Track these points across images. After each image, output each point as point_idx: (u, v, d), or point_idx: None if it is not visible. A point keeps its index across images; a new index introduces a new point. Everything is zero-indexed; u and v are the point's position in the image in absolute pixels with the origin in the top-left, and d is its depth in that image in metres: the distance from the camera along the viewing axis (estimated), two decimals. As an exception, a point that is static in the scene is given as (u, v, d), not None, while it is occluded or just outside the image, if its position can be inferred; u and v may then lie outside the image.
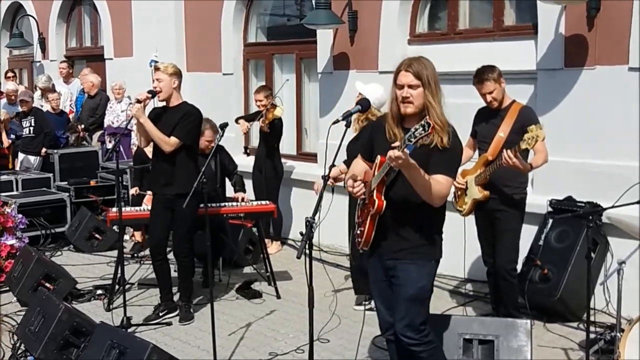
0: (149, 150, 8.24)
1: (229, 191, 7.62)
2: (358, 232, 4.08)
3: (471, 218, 5.77)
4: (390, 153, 3.63)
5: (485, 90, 5.45)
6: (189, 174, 5.91)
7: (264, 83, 9.58)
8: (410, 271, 3.96)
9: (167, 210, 6.10)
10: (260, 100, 8.17)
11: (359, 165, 4.17)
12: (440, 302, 6.47)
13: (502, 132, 5.44)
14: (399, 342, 4.08)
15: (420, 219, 3.91)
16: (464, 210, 5.68)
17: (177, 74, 6.10)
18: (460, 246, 5.80)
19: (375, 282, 4.19)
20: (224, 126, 5.93)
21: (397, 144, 3.66)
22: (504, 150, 5.21)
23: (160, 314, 6.25)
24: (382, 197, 3.87)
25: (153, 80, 6.11)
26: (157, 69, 6.11)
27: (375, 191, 3.87)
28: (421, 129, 3.48)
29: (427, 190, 3.77)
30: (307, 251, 3.69)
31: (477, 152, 5.79)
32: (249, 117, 8.56)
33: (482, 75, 5.45)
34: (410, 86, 3.85)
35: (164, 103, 6.15)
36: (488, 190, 5.48)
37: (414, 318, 3.99)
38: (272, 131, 8.21)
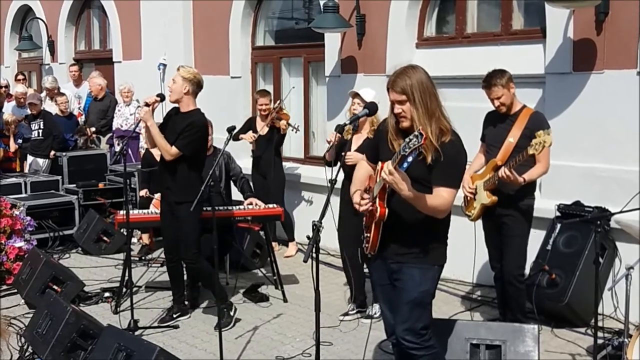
0: (156, 153, 8.27)
1: (234, 194, 7.62)
2: (364, 237, 4.09)
3: (478, 223, 5.76)
4: (386, 166, 3.65)
5: (494, 96, 5.43)
6: (188, 183, 5.90)
7: (272, 86, 9.60)
8: (414, 275, 3.96)
9: (171, 214, 6.11)
10: (267, 104, 8.18)
11: (363, 169, 4.18)
12: (447, 307, 6.46)
13: (512, 137, 5.42)
14: (400, 345, 4.08)
15: (424, 224, 3.90)
16: (473, 215, 5.66)
17: (192, 80, 5.99)
18: (467, 251, 5.78)
19: (379, 285, 4.19)
20: (231, 129, 5.90)
21: (389, 164, 3.68)
22: (502, 169, 5.23)
23: (174, 315, 6.26)
24: (385, 205, 3.88)
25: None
26: (178, 69, 6.08)
27: (377, 198, 3.87)
28: (415, 139, 3.49)
29: (428, 209, 3.80)
30: (314, 255, 3.70)
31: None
32: (244, 129, 8.52)
33: (490, 80, 5.43)
34: (398, 102, 3.85)
35: (177, 105, 6.10)
36: (496, 196, 5.47)
37: (414, 322, 3.99)
38: (280, 135, 8.21)
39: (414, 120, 3.81)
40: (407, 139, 3.53)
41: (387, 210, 3.87)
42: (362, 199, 3.97)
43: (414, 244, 3.95)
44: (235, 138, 8.45)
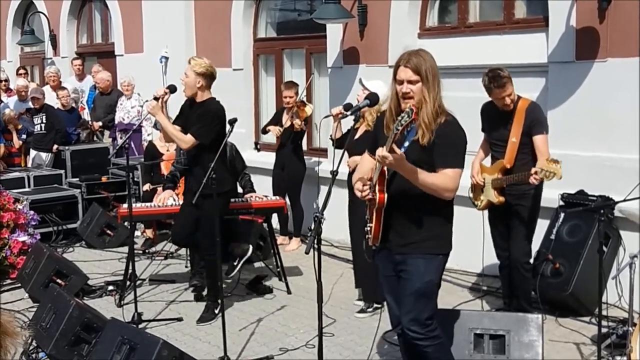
0: (159, 145, 8.27)
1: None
2: (367, 228, 4.07)
3: (482, 213, 5.76)
4: (378, 152, 3.63)
5: (506, 93, 5.38)
6: (204, 174, 5.77)
7: (274, 78, 9.58)
8: (418, 265, 3.94)
9: (193, 204, 5.93)
10: (292, 97, 8.14)
11: (367, 162, 4.17)
12: (451, 297, 6.44)
13: (515, 137, 5.42)
14: (405, 335, 4.07)
15: (425, 211, 3.88)
16: (480, 205, 5.70)
17: (205, 74, 5.94)
18: (470, 241, 5.78)
19: (384, 277, 4.17)
20: (233, 122, 5.85)
21: (381, 149, 3.66)
22: (532, 178, 5.15)
23: (216, 311, 6.15)
24: (384, 191, 3.86)
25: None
26: (189, 61, 6.02)
27: (377, 185, 3.86)
28: (406, 116, 3.51)
29: (430, 186, 3.77)
30: (316, 246, 3.69)
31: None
32: (273, 122, 8.52)
33: (501, 80, 5.34)
34: (409, 81, 3.83)
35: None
36: (503, 196, 5.50)
37: (420, 312, 3.97)
38: (296, 130, 8.19)
39: (425, 99, 3.80)
40: (399, 117, 3.54)
41: (386, 196, 3.85)
42: (364, 185, 3.96)
43: (417, 234, 3.93)
44: (264, 131, 8.50)
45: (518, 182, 5.35)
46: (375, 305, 6.14)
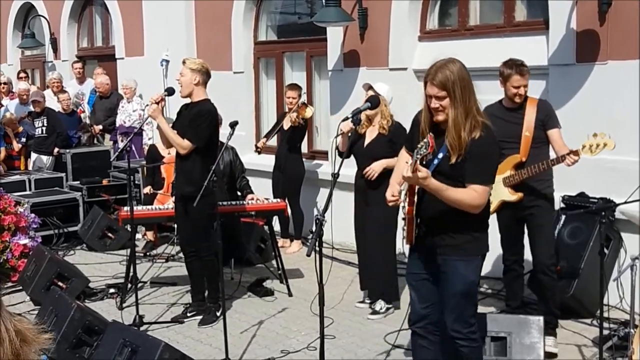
0: (161, 148, 8.28)
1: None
2: (404, 228, 4.13)
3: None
4: (402, 173, 3.69)
5: (523, 83, 5.35)
6: (203, 177, 5.78)
7: (274, 81, 9.59)
8: (458, 267, 3.97)
9: (184, 208, 6.07)
10: (295, 98, 8.17)
11: (404, 160, 4.16)
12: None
13: (528, 131, 5.36)
14: (426, 336, 4.16)
15: (462, 215, 3.88)
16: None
17: (201, 70, 5.96)
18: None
19: (413, 274, 4.20)
20: (234, 124, 5.85)
21: (406, 171, 3.70)
22: (570, 157, 5.14)
23: (189, 314, 6.22)
24: (413, 203, 3.94)
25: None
26: (184, 62, 6.04)
27: (408, 194, 3.92)
28: (423, 148, 3.56)
29: (456, 203, 3.80)
30: (317, 248, 3.69)
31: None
32: (273, 129, 8.55)
33: (524, 68, 5.33)
34: (437, 97, 3.83)
35: (188, 99, 6.06)
36: (520, 192, 5.42)
37: (463, 311, 4.03)
38: (298, 130, 8.20)
39: (450, 117, 3.80)
40: (419, 145, 3.59)
41: (414, 209, 3.93)
42: (393, 195, 3.99)
43: (454, 237, 3.96)
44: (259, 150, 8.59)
45: (538, 174, 5.28)
46: (387, 305, 6.15)
